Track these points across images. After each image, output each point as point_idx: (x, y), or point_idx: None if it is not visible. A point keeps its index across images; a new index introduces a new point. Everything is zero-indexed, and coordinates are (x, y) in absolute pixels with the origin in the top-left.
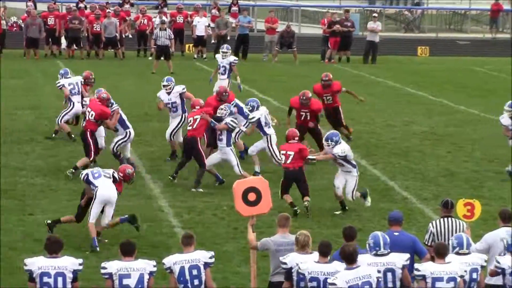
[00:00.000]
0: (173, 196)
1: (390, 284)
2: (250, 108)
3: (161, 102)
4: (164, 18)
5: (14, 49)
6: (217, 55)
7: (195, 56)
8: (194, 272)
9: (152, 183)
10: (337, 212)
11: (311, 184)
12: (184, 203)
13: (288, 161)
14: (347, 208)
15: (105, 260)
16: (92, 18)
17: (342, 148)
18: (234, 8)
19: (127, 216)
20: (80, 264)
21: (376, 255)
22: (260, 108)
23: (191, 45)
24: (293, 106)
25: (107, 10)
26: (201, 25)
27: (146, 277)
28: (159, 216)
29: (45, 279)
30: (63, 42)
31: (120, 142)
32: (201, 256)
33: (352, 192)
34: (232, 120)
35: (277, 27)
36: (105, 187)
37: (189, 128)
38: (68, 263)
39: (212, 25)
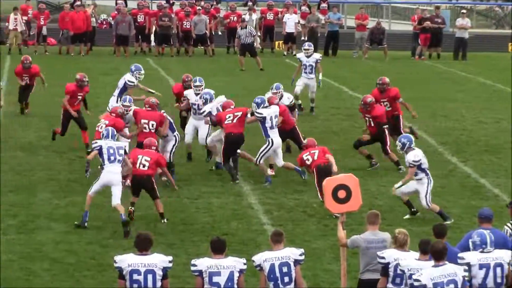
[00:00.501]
0: (263, 193)
1: (499, 280)
2: (204, 100)
3: (185, 101)
4: (253, 15)
5: (104, 46)
6: (299, 55)
7: (285, 53)
8: (284, 269)
9: (242, 180)
10: (406, 217)
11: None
12: (274, 200)
13: (315, 158)
14: (414, 209)
15: (195, 258)
16: (182, 15)
17: (415, 153)
18: (324, 5)
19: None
20: (170, 262)
21: (482, 253)
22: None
23: (281, 42)
24: (360, 111)
25: (197, 7)
26: (291, 22)
27: (236, 274)
28: (249, 213)
29: (135, 276)
30: (153, 39)
31: (174, 149)
32: (291, 253)
33: (426, 198)
34: (256, 112)
35: (367, 24)
36: (110, 172)
37: (228, 122)
38: (157, 260)
39: (302, 22)
